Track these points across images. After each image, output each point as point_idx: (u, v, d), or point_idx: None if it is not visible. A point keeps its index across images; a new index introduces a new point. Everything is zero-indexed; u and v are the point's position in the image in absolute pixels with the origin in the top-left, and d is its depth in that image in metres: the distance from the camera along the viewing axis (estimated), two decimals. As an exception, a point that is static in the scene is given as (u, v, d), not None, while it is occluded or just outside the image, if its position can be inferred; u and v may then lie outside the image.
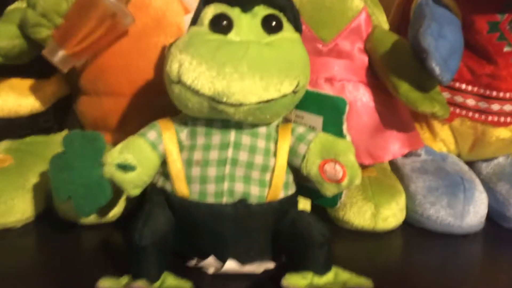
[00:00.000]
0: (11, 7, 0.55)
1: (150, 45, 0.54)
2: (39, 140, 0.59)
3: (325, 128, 0.46)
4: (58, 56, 0.49)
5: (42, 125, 0.61)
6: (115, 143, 0.46)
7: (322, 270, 0.42)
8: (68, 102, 0.63)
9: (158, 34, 0.55)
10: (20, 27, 0.51)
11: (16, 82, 0.57)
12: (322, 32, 0.55)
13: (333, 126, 0.45)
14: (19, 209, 0.51)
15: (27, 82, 0.58)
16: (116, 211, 0.51)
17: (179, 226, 0.44)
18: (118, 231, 0.51)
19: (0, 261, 0.46)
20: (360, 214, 0.52)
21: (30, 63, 0.56)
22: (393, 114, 0.56)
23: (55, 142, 0.57)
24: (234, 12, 0.43)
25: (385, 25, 0.59)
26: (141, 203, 0.47)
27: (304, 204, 0.51)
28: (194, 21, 0.45)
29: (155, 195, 0.45)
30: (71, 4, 0.49)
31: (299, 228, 0.42)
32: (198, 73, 0.40)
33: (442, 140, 0.62)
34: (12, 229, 0.50)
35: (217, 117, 0.43)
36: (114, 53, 0.54)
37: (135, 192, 0.44)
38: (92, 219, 0.51)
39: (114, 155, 0.43)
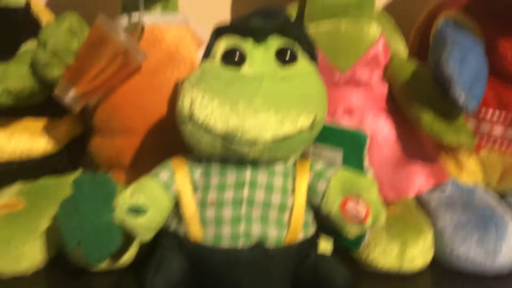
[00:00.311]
0: (24, 48, 0.55)
1: (164, 81, 0.54)
2: (52, 182, 0.58)
3: (345, 163, 0.44)
4: (69, 96, 0.48)
5: (55, 166, 0.59)
6: (129, 182, 0.45)
7: (346, 318, 0.39)
8: (82, 141, 0.63)
9: (171, 69, 0.54)
10: (31, 68, 0.50)
11: (28, 122, 0.57)
12: (339, 61, 0.53)
13: (354, 161, 0.43)
14: (29, 256, 0.49)
15: (40, 123, 0.57)
16: (128, 256, 0.49)
17: (192, 272, 0.41)
18: (131, 276, 0.49)
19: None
20: (385, 255, 0.49)
21: (43, 103, 0.55)
22: (416, 146, 0.54)
23: (68, 184, 0.55)
24: (247, 44, 0.42)
25: (403, 52, 0.57)
26: (154, 247, 0.45)
27: (326, 244, 0.48)
28: (207, 54, 0.44)
29: (167, 240, 0.43)
30: (82, 42, 0.49)
31: (321, 273, 0.40)
32: (210, 109, 0.38)
33: (469, 171, 0.59)
34: (22, 276, 0.49)
35: (231, 156, 0.41)
36: (127, 90, 0.53)
37: (148, 236, 0.42)
38: (104, 265, 0.49)
39: (125, 198, 0.41)
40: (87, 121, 0.61)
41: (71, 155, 0.61)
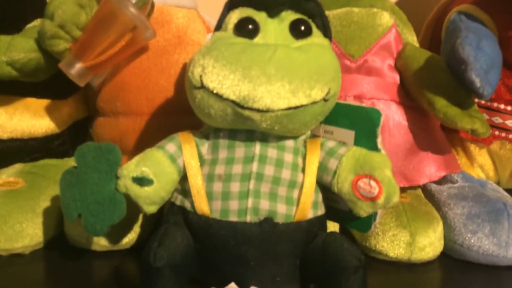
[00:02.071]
0: (31, 24, 0.54)
1: (171, 62, 0.53)
2: (52, 163, 0.57)
3: (357, 143, 0.43)
4: (75, 69, 0.47)
5: (57, 149, 0.58)
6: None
7: (357, 299, 0.37)
8: (85, 126, 0.62)
9: (179, 51, 0.53)
10: (37, 41, 0.49)
11: (31, 101, 0.56)
12: (350, 48, 0.53)
13: (367, 140, 0.42)
14: (27, 234, 0.48)
15: (43, 102, 0.56)
16: (130, 238, 0.48)
17: (197, 249, 0.40)
18: (131, 259, 0.48)
19: (6, 290, 0.43)
20: (394, 243, 0.48)
21: (47, 84, 0.54)
22: (428, 135, 0.53)
23: (69, 166, 0.55)
24: (260, 17, 0.41)
25: (415, 44, 0.56)
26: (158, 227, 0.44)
27: (333, 229, 0.47)
28: (218, 27, 0.43)
29: (173, 215, 0.42)
30: (91, 16, 0.48)
31: (330, 251, 0.38)
32: (222, 76, 0.37)
33: (480, 165, 0.59)
34: (20, 255, 0.48)
35: (241, 126, 0.40)
36: (133, 70, 0.53)
37: (151, 209, 0.41)
38: (104, 245, 0.48)
39: (130, 168, 0.40)
40: (92, 103, 0.60)
41: (74, 139, 0.60)
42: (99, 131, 0.56)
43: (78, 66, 0.47)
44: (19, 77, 0.50)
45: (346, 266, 0.37)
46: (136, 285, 0.42)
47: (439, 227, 0.49)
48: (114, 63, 0.50)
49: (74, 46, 0.48)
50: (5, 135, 0.54)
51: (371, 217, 0.43)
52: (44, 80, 0.53)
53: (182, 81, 0.49)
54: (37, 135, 0.56)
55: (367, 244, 0.49)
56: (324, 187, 0.43)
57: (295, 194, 0.41)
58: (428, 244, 0.48)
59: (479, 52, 0.45)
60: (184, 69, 0.53)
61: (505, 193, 0.55)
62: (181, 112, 0.52)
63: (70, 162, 0.57)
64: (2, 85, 0.52)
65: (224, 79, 0.37)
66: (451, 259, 0.50)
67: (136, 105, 0.53)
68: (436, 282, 0.48)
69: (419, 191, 0.56)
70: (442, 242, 0.50)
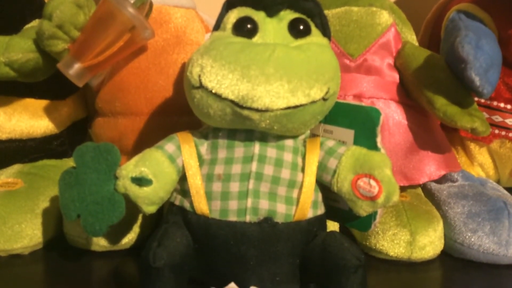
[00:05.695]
0: (29, 25, 0.54)
1: (170, 62, 0.53)
2: (51, 163, 0.57)
3: (357, 142, 0.43)
4: (73, 69, 0.47)
5: (55, 149, 0.58)
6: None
7: (356, 298, 0.37)
8: (84, 126, 0.62)
9: (178, 51, 0.53)
10: (35, 42, 0.49)
11: (30, 102, 0.56)
12: (350, 47, 0.53)
13: (366, 139, 0.42)
14: (26, 234, 0.48)
15: (42, 103, 0.56)
16: (129, 238, 0.49)
17: (197, 249, 0.40)
18: (131, 259, 0.48)
19: (5, 290, 0.43)
20: (394, 242, 0.48)
21: (45, 84, 0.54)
22: (428, 134, 0.53)
23: (68, 167, 0.55)
24: (259, 16, 0.41)
25: (414, 43, 0.56)
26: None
27: (332, 228, 0.47)
28: (217, 27, 0.43)
29: (172, 215, 0.42)
30: (89, 16, 0.48)
31: (330, 250, 0.38)
32: (220, 76, 0.37)
33: (480, 164, 0.59)
34: (19, 256, 0.48)
35: (240, 126, 0.40)
36: (132, 70, 0.53)
37: (151, 209, 0.41)
38: (103, 246, 0.48)
39: (129, 168, 0.40)
40: (90, 104, 0.60)
41: (72, 139, 0.59)
42: (98, 131, 0.56)
43: (77, 66, 0.47)
44: (18, 77, 0.50)
45: (346, 266, 0.36)
46: (136, 285, 0.42)
47: (439, 226, 0.49)
48: (112, 63, 0.50)
49: (73, 47, 0.48)
50: (3, 136, 0.54)
51: (371, 216, 0.43)
52: (42, 81, 0.53)
53: (181, 81, 0.49)
54: (36, 135, 0.56)
55: (367, 243, 0.49)
56: (323, 187, 0.43)
57: (295, 193, 0.40)
58: (428, 243, 0.48)
59: (478, 50, 0.45)
60: (183, 69, 0.53)
61: (505, 192, 0.55)
62: (180, 112, 0.52)
63: (69, 162, 0.57)
64: (1, 86, 0.52)
65: (223, 78, 0.37)
66: (451, 258, 0.50)
67: (135, 105, 0.53)
68: (437, 281, 0.48)
69: (419, 190, 0.56)
70: (442, 241, 0.50)
